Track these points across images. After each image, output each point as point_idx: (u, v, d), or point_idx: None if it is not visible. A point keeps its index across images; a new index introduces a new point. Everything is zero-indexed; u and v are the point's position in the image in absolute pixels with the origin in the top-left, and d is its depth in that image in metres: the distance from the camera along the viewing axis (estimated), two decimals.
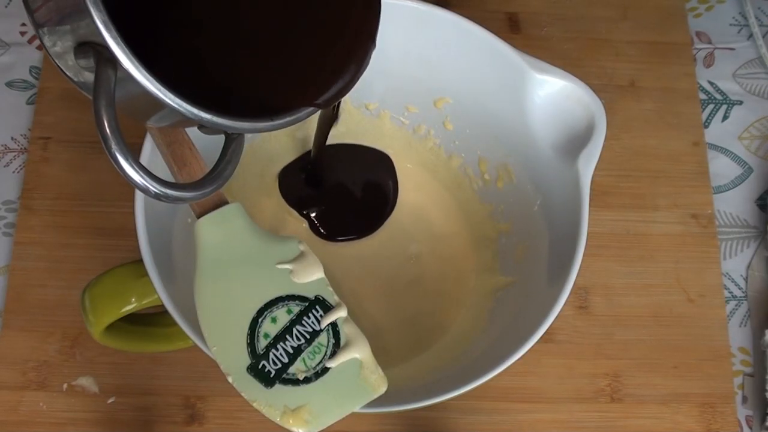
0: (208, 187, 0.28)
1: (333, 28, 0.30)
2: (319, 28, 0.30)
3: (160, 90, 0.23)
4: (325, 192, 0.47)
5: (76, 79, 0.26)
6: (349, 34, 0.30)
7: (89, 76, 0.25)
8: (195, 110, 0.24)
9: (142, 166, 0.24)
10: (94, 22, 0.22)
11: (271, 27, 0.30)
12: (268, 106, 0.28)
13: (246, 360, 0.29)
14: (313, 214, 0.45)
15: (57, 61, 0.26)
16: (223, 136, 0.30)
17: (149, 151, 0.32)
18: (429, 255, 0.44)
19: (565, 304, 0.32)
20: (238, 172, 0.43)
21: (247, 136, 0.41)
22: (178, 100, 0.24)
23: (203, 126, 0.25)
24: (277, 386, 0.29)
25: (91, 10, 0.21)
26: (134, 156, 0.24)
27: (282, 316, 0.30)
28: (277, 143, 0.44)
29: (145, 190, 0.24)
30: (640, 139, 0.50)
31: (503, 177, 0.41)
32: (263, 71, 0.30)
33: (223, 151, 0.29)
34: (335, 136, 0.44)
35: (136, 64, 0.22)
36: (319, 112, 0.37)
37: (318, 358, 0.29)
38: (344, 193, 0.47)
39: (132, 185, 0.24)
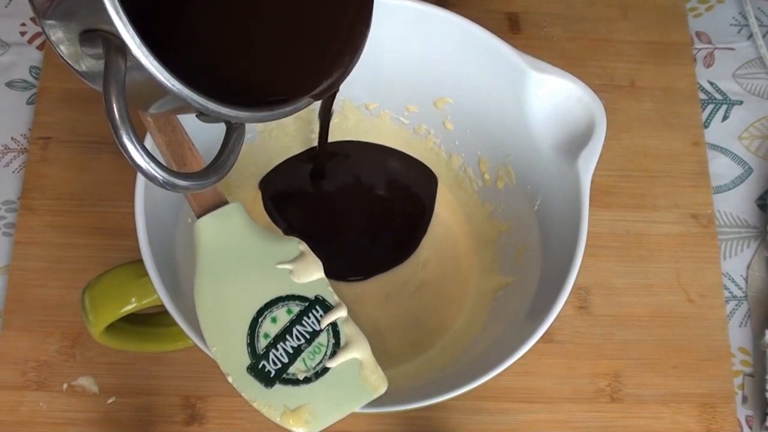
0: (212, 177, 0.28)
1: (329, 23, 0.31)
2: (316, 22, 0.31)
3: (168, 80, 0.23)
4: (327, 213, 0.45)
5: (76, 68, 0.26)
6: (344, 29, 0.30)
7: (92, 64, 0.25)
8: (202, 100, 0.25)
9: (150, 154, 0.24)
10: (105, 10, 0.22)
11: (270, 21, 0.30)
12: (268, 97, 0.28)
13: (246, 360, 0.29)
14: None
15: (57, 48, 0.26)
16: (219, 132, 0.30)
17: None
18: (435, 258, 0.44)
19: (565, 304, 0.32)
20: (238, 171, 0.43)
21: (248, 134, 0.41)
22: (186, 91, 0.24)
23: (203, 114, 0.26)
24: (277, 386, 0.29)
25: None
26: (143, 145, 0.24)
27: (282, 316, 0.30)
28: (277, 142, 0.44)
29: (152, 179, 0.25)
30: (640, 139, 0.50)
31: (503, 177, 0.41)
32: (263, 63, 0.30)
33: (225, 141, 0.29)
34: (339, 133, 0.44)
35: (147, 53, 0.23)
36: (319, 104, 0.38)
37: (318, 358, 0.29)
38: (356, 217, 0.45)
39: (140, 174, 0.25)
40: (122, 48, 0.22)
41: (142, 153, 0.24)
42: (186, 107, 0.25)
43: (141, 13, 0.23)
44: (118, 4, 0.22)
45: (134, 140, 0.23)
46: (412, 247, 0.44)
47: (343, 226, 0.45)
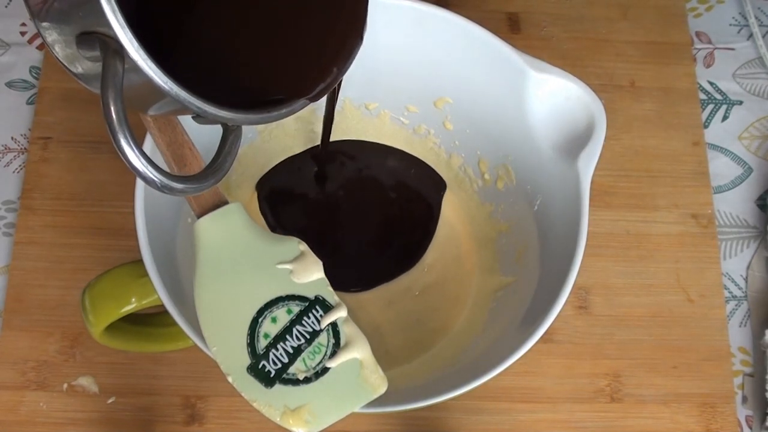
0: (210, 179, 0.28)
1: (325, 25, 0.31)
2: (312, 24, 0.31)
3: (166, 83, 0.23)
4: (328, 219, 0.44)
5: (72, 69, 0.26)
6: (340, 31, 0.31)
7: (88, 66, 0.25)
8: (199, 103, 0.25)
9: (148, 158, 0.24)
10: (103, 14, 0.22)
11: (267, 24, 0.30)
12: (264, 99, 0.28)
13: (246, 360, 0.29)
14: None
15: (53, 50, 0.26)
16: (217, 132, 0.30)
17: (149, 152, 0.32)
18: (439, 261, 0.44)
19: (565, 304, 0.32)
20: (237, 171, 0.43)
21: (248, 134, 0.41)
22: (183, 93, 0.24)
23: (199, 116, 0.26)
24: (277, 386, 0.29)
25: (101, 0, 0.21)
26: (141, 148, 0.24)
27: (282, 316, 0.30)
28: (277, 142, 0.44)
29: (150, 182, 0.25)
30: (640, 139, 0.50)
31: (503, 177, 0.41)
32: (259, 66, 0.30)
33: (222, 143, 0.29)
34: (339, 133, 0.44)
35: (145, 57, 0.23)
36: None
37: (318, 358, 0.29)
38: (359, 224, 0.44)
39: (137, 177, 0.25)
40: (120, 51, 0.22)
41: (140, 156, 0.24)
42: (183, 109, 0.25)
43: (137, 15, 0.23)
44: (116, 7, 0.22)
45: (132, 144, 0.23)
46: (419, 254, 0.44)
47: (344, 233, 0.45)
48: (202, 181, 0.27)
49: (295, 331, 0.29)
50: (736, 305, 0.47)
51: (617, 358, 0.44)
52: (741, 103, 0.51)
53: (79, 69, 0.26)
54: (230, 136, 0.29)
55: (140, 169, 0.24)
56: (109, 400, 0.42)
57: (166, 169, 0.30)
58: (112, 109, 0.23)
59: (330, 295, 0.30)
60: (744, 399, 0.44)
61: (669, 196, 0.48)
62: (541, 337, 0.32)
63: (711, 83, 0.52)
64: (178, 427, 0.41)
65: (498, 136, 0.39)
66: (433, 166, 0.45)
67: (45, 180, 0.46)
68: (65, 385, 0.42)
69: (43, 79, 0.48)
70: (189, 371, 0.42)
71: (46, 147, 0.47)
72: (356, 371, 0.29)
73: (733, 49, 0.53)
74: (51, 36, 0.25)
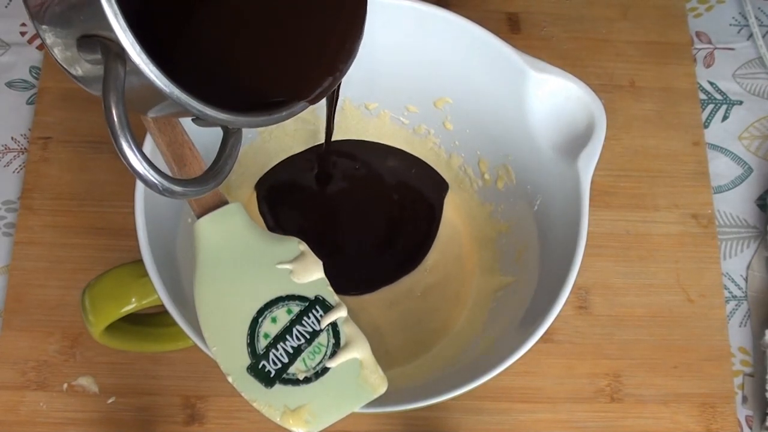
0: (211, 182, 0.28)
1: (324, 29, 0.31)
2: (312, 28, 0.31)
3: (168, 86, 0.23)
4: (329, 220, 0.44)
5: (72, 72, 0.26)
6: (339, 34, 0.31)
7: (87, 69, 0.25)
8: (200, 106, 0.25)
9: (150, 161, 0.24)
10: (105, 17, 0.22)
11: (267, 27, 0.30)
12: (264, 102, 0.28)
13: (246, 360, 0.29)
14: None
15: (52, 52, 0.26)
16: (217, 132, 0.30)
17: (149, 152, 0.32)
18: (440, 261, 0.44)
19: (565, 304, 0.32)
20: (237, 172, 0.43)
21: (248, 135, 0.41)
22: (185, 97, 0.24)
23: (199, 119, 0.26)
24: (277, 386, 0.29)
25: (102, 3, 0.21)
26: (143, 152, 0.24)
27: (282, 316, 0.30)
28: (277, 142, 0.44)
29: (152, 186, 0.25)
30: (640, 139, 0.50)
31: (503, 177, 0.41)
32: (259, 69, 0.30)
33: (222, 146, 0.29)
34: (339, 133, 0.44)
35: (147, 61, 0.23)
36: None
37: (318, 358, 0.29)
38: (360, 225, 0.44)
39: (139, 181, 0.25)
40: (121, 54, 0.22)
41: (141, 160, 0.24)
42: (184, 112, 0.25)
43: (137, 17, 0.23)
44: (117, 11, 0.22)
45: (134, 147, 0.23)
46: (421, 255, 0.44)
47: (345, 235, 0.45)
48: (203, 185, 0.28)
49: (295, 331, 0.29)
50: (736, 305, 0.47)
51: (617, 358, 0.44)
52: (741, 103, 0.51)
53: (78, 71, 0.26)
54: (231, 138, 0.29)
55: (142, 173, 0.24)
56: (109, 400, 0.42)
57: (167, 171, 0.31)
58: (114, 113, 0.23)
59: (330, 295, 0.30)
60: (744, 399, 0.44)
61: (669, 196, 0.48)
62: (541, 337, 0.32)
63: (711, 83, 0.52)
64: (178, 427, 0.42)
65: (498, 136, 0.39)
66: (433, 166, 0.45)
67: (45, 180, 0.46)
68: (65, 385, 0.42)
69: (43, 79, 0.48)
70: (189, 371, 0.42)
71: (46, 147, 0.47)
72: (356, 371, 0.29)
73: (733, 49, 0.53)
74: (50, 38, 0.25)
